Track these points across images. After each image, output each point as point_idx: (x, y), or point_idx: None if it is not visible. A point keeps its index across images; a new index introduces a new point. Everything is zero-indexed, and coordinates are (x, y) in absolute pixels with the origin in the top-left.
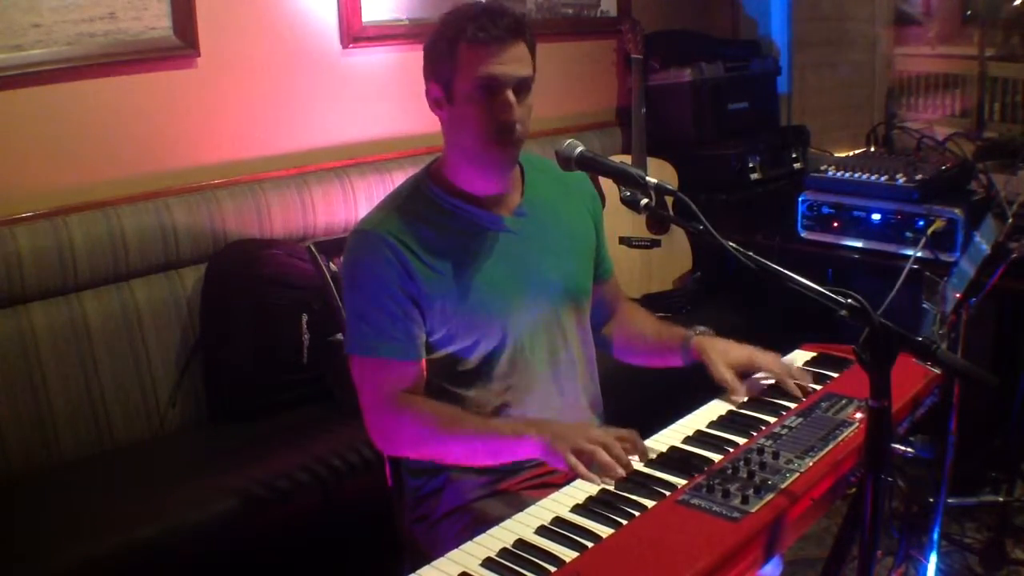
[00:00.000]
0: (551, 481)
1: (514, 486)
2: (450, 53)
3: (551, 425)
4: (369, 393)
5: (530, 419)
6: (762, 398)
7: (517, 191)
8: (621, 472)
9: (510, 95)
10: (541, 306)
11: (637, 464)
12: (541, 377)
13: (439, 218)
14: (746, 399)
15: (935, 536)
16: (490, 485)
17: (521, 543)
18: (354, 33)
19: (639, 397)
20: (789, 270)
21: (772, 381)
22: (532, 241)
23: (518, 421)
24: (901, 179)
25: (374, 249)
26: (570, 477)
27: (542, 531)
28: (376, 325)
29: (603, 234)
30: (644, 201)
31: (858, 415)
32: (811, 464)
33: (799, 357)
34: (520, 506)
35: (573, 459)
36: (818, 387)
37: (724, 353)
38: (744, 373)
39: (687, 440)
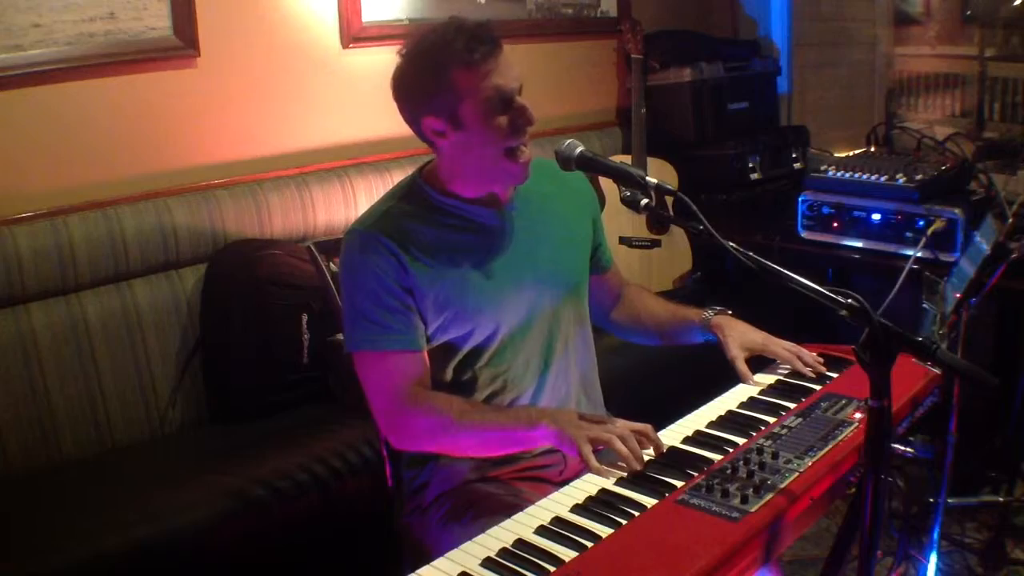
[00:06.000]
0: (544, 476)
1: (505, 475)
2: (445, 83)
3: (566, 413)
4: (377, 388)
5: (543, 408)
6: (761, 398)
7: (510, 187)
8: (636, 465)
9: (520, 99)
10: (534, 297)
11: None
12: (533, 367)
13: (432, 215)
14: (754, 384)
15: (935, 536)
16: (479, 471)
17: (521, 543)
18: (354, 33)
19: (639, 397)
20: (789, 270)
21: (788, 370)
22: (525, 234)
23: (531, 409)
24: (901, 179)
25: (368, 247)
26: (567, 475)
27: (542, 531)
28: (377, 320)
29: (602, 230)
30: (644, 201)
31: (858, 415)
32: (811, 464)
33: None
34: (508, 491)
35: (587, 449)
36: (818, 387)
37: (741, 335)
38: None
39: (687, 440)
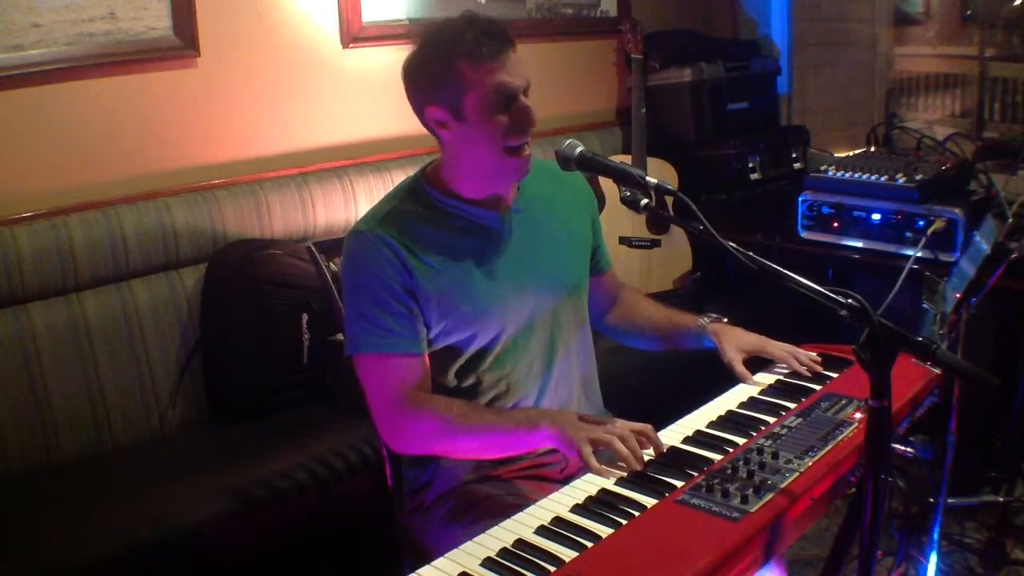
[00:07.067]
0: (545, 474)
1: (506, 474)
2: (450, 73)
3: (566, 415)
4: (377, 391)
5: (543, 409)
6: (761, 398)
7: (513, 189)
8: (636, 465)
9: (524, 99)
10: (536, 299)
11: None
12: (535, 370)
13: (435, 217)
14: (754, 384)
15: (935, 536)
16: (481, 470)
17: (521, 543)
18: (354, 33)
19: (639, 398)
20: (789, 270)
21: (787, 370)
22: (527, 236)
23: (531, 411)
24: (901, 179)
25: (372, 248)
26: (567, 473)
27: (542, 531)
28: (379, 322)
29: (600, 231)
30: (644, 201)
31: (858, 415)
32: (811, 464)
33: None
34: (510, 490)
35: (588, 450)
36: (819, 387)
37: (737, 339)
38: (756, 359)
39: (687, 440)
